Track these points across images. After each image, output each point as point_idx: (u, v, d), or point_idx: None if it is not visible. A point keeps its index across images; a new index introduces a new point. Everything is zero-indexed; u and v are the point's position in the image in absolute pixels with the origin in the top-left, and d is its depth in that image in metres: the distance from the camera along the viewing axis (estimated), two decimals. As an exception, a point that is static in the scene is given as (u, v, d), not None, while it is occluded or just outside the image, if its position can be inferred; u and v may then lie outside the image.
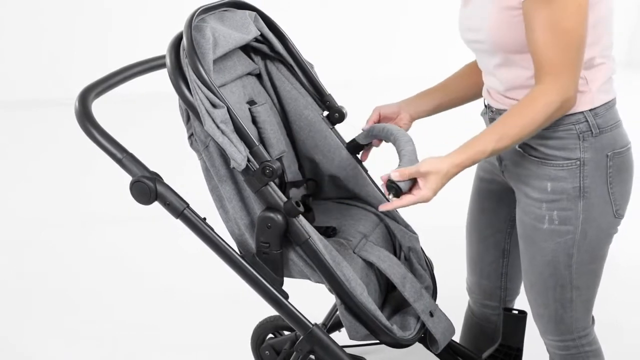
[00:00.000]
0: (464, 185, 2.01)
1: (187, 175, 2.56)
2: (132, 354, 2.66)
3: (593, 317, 1.78)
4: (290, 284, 1.66)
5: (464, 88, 1.84)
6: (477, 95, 1.84)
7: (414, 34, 6.46)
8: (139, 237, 3.56)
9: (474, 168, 1.91)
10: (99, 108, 1.76)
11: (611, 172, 1.59)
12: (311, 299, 1.97)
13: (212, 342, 2.69)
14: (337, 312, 2.03)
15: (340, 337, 1.84)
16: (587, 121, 1.56)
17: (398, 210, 1.87)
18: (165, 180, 1.59)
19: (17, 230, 3.73)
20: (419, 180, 1.49)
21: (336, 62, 6.07)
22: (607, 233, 1.65)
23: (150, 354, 2.65)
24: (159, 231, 3.45)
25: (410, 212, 1.66)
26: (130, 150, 1.58)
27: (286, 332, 2.26)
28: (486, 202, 1.88)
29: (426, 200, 1.48)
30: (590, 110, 1.56)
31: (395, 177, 1.48)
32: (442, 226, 3.32)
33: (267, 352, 2.20)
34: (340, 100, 1.86)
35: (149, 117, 5.46)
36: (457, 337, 2.04)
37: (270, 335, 2.28)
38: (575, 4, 1.43)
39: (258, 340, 2.27)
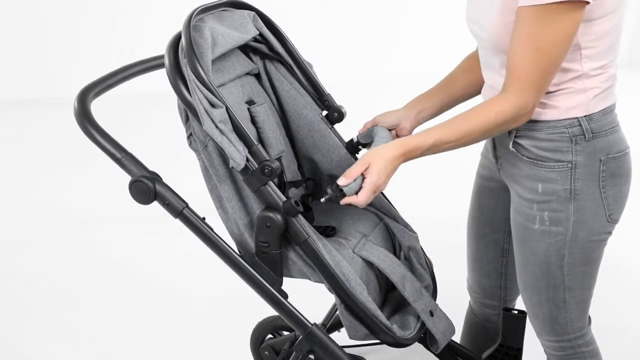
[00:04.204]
0: (465, 183, 2.01)
1: (186, 176, 2.56)
2: (131, 353, 2.66)
3: (590, 317, 1.77)
4: (289, 284, 1.66)
5: (467, 85, 1.82)
6: (480, 90, 1.81)
7: (413, 35, 6.46)
8: (138, 237, 3.56)
9: (475, 164, 1.91)
10: (99, 108, 1.75)
11: (604, 177, 1.57)
12: (311, 299, 1.97)
13: (212, 342, 2.69)
14: (337, 312, 2.03)
15: (340, 337, 1.84)
16: (580, 125, 1.55)
17: (397, 209, 1.88)
18: (165, 180, 1.59)
19: (17, 230, 3.73)
20: (364, 173, 1.51)
21: (335, 62, 6.06)
22: (599, 236, 1.63)
23: (149, 354, 2.65)
24: (159, 231, 3.44)
25: (410, 210, 1.66)
26: (130, 150, 1.58)
27: (285, 332, 2.26)
28: (485, 200, 1.87)
29: (376, 185, 1.50)
30: (584, 116, 1.55)
31: (342, 182, 1.51)
32: (442, 225, 3.32)
33: (266, 352, 2.20)
34: (339, 100, 1.86)
35: (149, 117, 5.46)
36: (457, 337, 2.04)
37: (270, 336, 2.27)
38: (558, 25, 1.41)
39: (257, 340, 2.26)
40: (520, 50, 1.46)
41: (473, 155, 2.01)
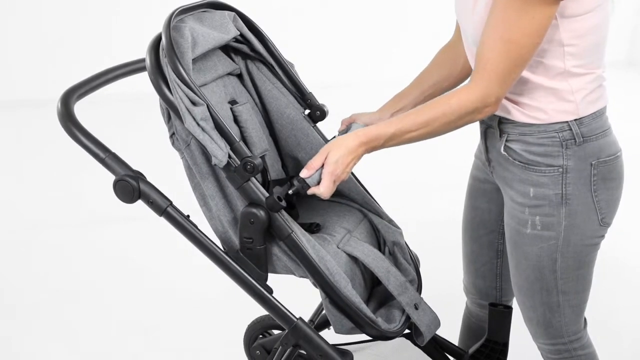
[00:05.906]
0: (453, 181, 2.01)
1: (173, 175, 2.57)
2: (130, 353, 2.68)
3: (585, 319, 1.77)
4: (278, 282, 1.67)
5: (440, 81, 1.81)
6: (455, 84, 1.82)
7: (414, 35, 6.44)
8: (139, 237, 3.57)
9: (468, 164, 1.92)
10: (93, 108, 1.76)
11: (595, 181, 1.57)
12: (299, 297, 1.97)
13: (211, 342, 2.70)
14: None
15: (333, 336, 1.84)
16: (570, 130, 1.54)
17: (392, 209, 1.89)
18: (153, 180, 1.59)
19: (17, 230, 3.75)
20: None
21: (336, 62, 6.06)
22: (591, 240, 1.63)
23: (148, 354, 2.67)
24: (158, 231, 3.45)
25: (406, 210, 1.66)
26: (114, 150, 1.59)
27: (275, 332, 2.27)
28: (479, 201, 1.87)
29: (334, 174, 1.50)
30: (575, 120, 1.55)
31: (303, 174, 1.51)
32: (434, 224, 3.32)
33: (257, 351, 2.20)
34: (340, 100, 1.85)
35: (132, 117, 5.45)
36: (455, 339, 2.04)
37: (261, 336, 2.28)
38: (530, 17, 1.40)
39: (249, 340, 2.27)
40: (490, 40, 1.45)
41: (466, 155, 2.00)
